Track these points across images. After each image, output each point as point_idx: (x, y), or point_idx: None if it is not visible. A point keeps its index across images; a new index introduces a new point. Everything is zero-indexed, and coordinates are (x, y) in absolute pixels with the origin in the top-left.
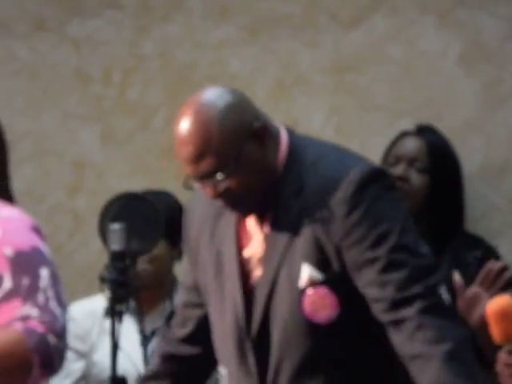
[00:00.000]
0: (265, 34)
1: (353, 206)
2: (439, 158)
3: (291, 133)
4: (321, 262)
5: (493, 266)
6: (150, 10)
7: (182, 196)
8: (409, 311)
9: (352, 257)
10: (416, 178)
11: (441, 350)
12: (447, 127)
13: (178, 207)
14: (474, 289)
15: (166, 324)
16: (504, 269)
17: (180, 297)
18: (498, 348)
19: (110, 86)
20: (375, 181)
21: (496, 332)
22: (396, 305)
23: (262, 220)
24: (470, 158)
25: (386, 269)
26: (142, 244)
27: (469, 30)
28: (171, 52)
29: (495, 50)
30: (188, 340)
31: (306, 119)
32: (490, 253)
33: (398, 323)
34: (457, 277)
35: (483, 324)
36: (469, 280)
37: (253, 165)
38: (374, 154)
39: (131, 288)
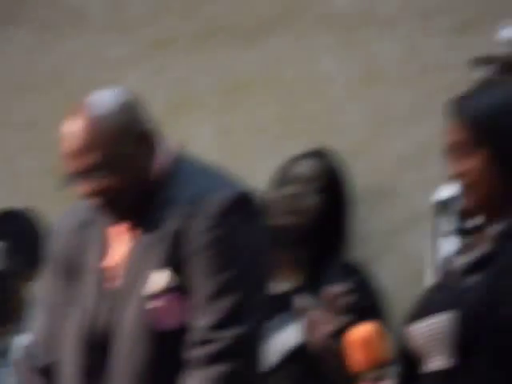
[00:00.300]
0: (160, 52)
1: (214, 225)
2: (332, 179)
3: (178, 148)
4: (173, 270)
5: (336, 290)
6: (47, 26)
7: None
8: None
9: (195, 270)
10: (310, 197)
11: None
12: (336, 149)
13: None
14: (318, 311)
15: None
16: (347, 292)
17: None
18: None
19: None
20: (243, 205)
21: (359, 359)
22: (202, 339)
23: (131, 228)
24: (355, 182)
25: (212, 297)
26: (25, 263)
27: (362, 53)
28: (69, 68)
29: (384, 74)
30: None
31: (195, 140)
32: (364, 283)
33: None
34: (301, 300)
35: (326, 346)
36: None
37: (134, 167)
38: (259, 176)
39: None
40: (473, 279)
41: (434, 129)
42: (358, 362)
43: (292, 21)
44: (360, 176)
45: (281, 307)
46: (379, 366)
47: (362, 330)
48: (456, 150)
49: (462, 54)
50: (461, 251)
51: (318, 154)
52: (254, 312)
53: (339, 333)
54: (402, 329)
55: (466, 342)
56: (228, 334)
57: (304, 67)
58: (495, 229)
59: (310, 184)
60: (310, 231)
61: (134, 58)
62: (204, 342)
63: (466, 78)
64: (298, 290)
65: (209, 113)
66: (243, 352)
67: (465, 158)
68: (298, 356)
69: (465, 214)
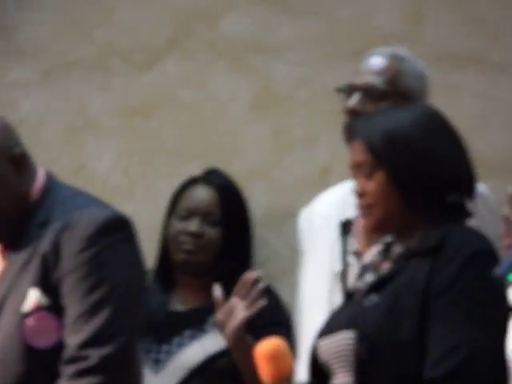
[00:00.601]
0: (57, 77)
1: (86, 246)
2: (230, 209)
3: (49, 174)
4: (48, 289)
5: (248, 276)
6: None
7: None
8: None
9: (66, 292)
10: (210, 232)
11: None
12: (234, 172)
13: None
14: (232, 301)
15: None
16: (258, 279)
17: None
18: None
19: None
20: (117, 228)
21: (266, 373)
22: (73, 357)
23: (4, 248)
24: (255, 204)
25: (84, 315)
26: None
27: (260, 76)
28: None
29: (285, 96)
30: None
31: (94, 163)
32: (271, 300)
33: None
34: (217, 290)
35: (237, 339)
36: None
37: (5, 188)
38: (162, 198)
39: None
40: (373, 299)
41: (333, 151)
42: (265, 377)
43: (185, 45)
44: (261, 198)
45: (185, 325)
46: (283, 381)
47: (268, 345)
48: (357, 170)
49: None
50: (365, 269)
51: (212, 178)
52: (124, 330)
53: (259, 333)
54: (312, 343)
55: (364, 361)
56: (96, 353)
57: (201, 91)
58: (396, 250)
59: (207, 218)
60: (211, 265)
61: (32, 82)
62: (73, 360)
63: None
64: (202, 308)
65: (108, 136)
66: (110, 370)
67: (365, 179)
68: (201, 372)
69: (367, 233)
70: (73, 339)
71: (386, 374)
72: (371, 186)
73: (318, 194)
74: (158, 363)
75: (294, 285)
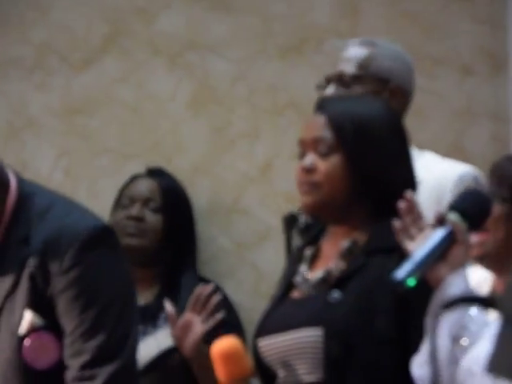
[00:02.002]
0: None
1: (72, 265)
2: (171, 198)
3: (20, 179)
4: (41, 308)
5: (202, 289)
6: None
7: None
8: None
9: (61, 312)
10: (151, 217)
11: None
12: (176, 170)
13: None
14: (187, 315)
15: None
16: (213, 292)
17: None
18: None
19: None
20: (101, 240)
21: (222, 373)
22: (78, 378)
23: None
24: (198, 201)
25: (84, 335)
26: None
27: (198, 73)
28: None
29: (224, 92)
30: None
31: (35, 162)
32: (225, 299)
33: None
34: (168, 306)
35: (196, 353)
36: None
37: None
38: (103, 197)
39: None
40: (335, 295)
41: (274, 146)
42: (220, 375)
43: (122, 44)
44: (204, 195)
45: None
46: (241, 379)
47: (223, 344)
48: (311, 145)
49: (290, 75)
50: (307, 264)
51: (155, 174)
52: (124, 343)
53: (211, 334)
54: (254, 342)
55: (335, 358)
56: (102, 371)
57: (140, 89)
58: (343, 244)
59: (148, 204)
60: (155, 251)
61: None
62: (79, 380)
63: (298, 98)
64: (154, 304)
65: (49, 136)
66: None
67: (319, 156)
68: (155, 367)
69: (304, 210)
70: (76, 361)
71: (359, 371)
72: (325, 165)
73: (260, 189)
74: None
75: (240, 281)
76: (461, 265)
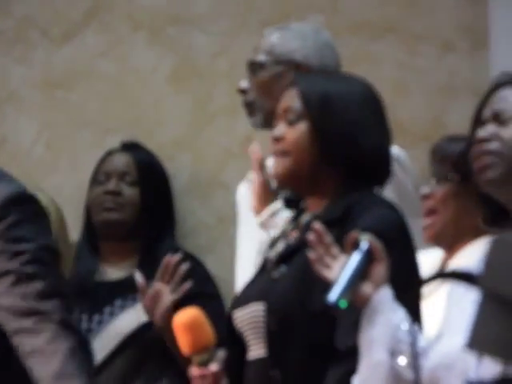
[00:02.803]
0: None
1: None
2: (147, 171)
3: None
4: None
5: (170, 259)
6: None
7: None
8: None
9: None
10: (128, 191)
11: (63, 346)
12: (157, 144)
13: None
14: (156, 285)
15: None
16: (181, 261)
17: None
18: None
19: None
20: (24, 202)
21: (184, 344)
22: (24, 314)
23: None
24: (179, 175)
25: (16, 282)
26: None
27: (179, 47)
28: None
29: (205, 67)
30: None
31: (16, 135)
32: (197, 269)
33: (25, 331)
34: (138, 277)
35: (167, 321)
36: None
37: None
38: (84, 171)
39: None
40: (282, 270)
41: None
42: (183, 347)
43: (103, 18)
44: (186, 169)
45: (115, 294)
46: (204, 350)
47: (185, 316)
48: (282, 115)
49: None
50: (276, 239)
51: (129, 148)
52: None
53: (179, 304)
54: (228, 314)
55: (274, 333)
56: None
57: (122, 63)
58: (304, 219)
59: (124, 178)
60: (133, 224)
61: None
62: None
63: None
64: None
65: (30, 109)
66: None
67: (288, 125)
68: (135, 340)
69: (276, 180)
70: (14, 301)
71: (297, 346)
72: (292, 132)
73: (241, 163)
74: (89, 333)
75: (221, 255)
76: (383, 281)
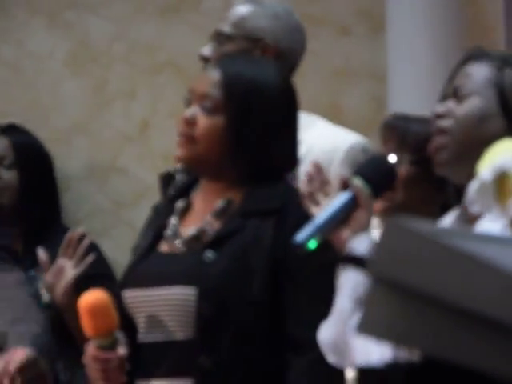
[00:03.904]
0: None
1: None
2: (25, 153)
3: None
4: None
5: (73, 234)
6: None
7: None
8: None
9: None
10: (6, 175)
11: None
12: (54, 128)
13: None
14: (59, 261)
15: None
16: (83, 236)
17: None
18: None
19: None
20: None
21: (88, 326)
22: None
23: None
24: (76, 159)
25: None
26: None
27: (76, 31)
28: None
29: (102, 51)
30: None
31: None
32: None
33: None
34: (41, 252)
35: (68, 299)
36: None
37: None
38: None
39: None
40: (209, 255)
41: (151, 105)
42: (87, 329)
43: (1, 2)
44: (83, 153)
45: None
46: (108, 334)
47: (90, 298)
48: (196, 99)
49: (169, 34)
50: (177, 217)
51: (7, 130)
52: None
53: (83, 286)
54: (122, 295)
55: (206, 318)
56: None
57: (19, 47)
58: (218, 204)
59: (2, 162)
60: (14, 208)
61: None
62: None
63: (176, 57)
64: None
65: None
66: None
67: (202, 111)
68: None
69: (177, 161)
70: None
71: (231, 332)
72: (207, 121)
73: (137, 148)
74: None
75: (116, 239)
76: (363, 228)
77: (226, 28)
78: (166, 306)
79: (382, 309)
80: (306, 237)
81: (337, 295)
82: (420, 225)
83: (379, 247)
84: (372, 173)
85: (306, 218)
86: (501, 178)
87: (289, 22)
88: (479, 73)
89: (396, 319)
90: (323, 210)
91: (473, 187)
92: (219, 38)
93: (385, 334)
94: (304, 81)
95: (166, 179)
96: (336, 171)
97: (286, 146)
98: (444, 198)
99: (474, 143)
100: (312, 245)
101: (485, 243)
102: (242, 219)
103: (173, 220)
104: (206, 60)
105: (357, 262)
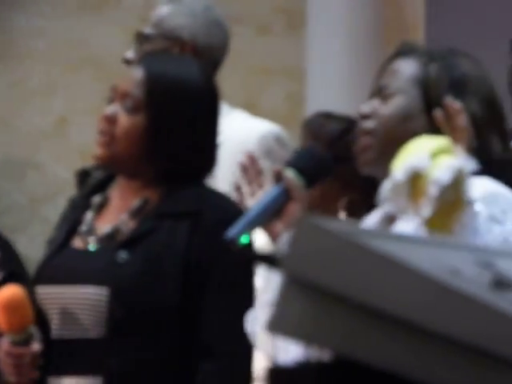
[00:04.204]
0: None
1: None
2: None
3: None
4: None
5: None
6: None
7: None
8: None
9: None
10: None
11: None
12: None
13: None
14: None
15: None
16: None
17: None
18: None
19: None
20: None
21: (1, 321)
22: None
23: None
24: None
25: None
26: None
27: None
28: None
29: (22, 46)
30: None
31: None
32: (8, 249)
33: None
34: None
35: None
36: None
37: None
38: None
39: None
40: (122, 256)
41: (70, 102)
42: (1, 324)
43: None
44: (1, 148)
45: None
46: (23, 329)
47: (5, 293)
48: (123, 98)
49: (89, 31)
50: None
51: None
52: None
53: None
54: (35, 291)
55: (116, 319)
56: None
57: None
58: (134, 203)
59: None
60: None
61: None
62: None
63: (96, 54)
64: None
65: None
66: None
67: (123, 110)
68: None
69: (96, 161)
70: None
71: (142, 333)
72: (127, 120)
73: (55, 144)
74: None
75: (32, 235)
76: None
77: (147, 29)
78: (78, 305)
79: (293, 307)
80: (238, 231)
81: (266, 287)
82: (333, 223)
83: (291, 245)
84: (305, 164)
85: (222, 221)
86: (413, 178)
87: (207, 18)
88: (405, 70)
89: (307, 318)
90: (255, 204)
91: (386, 187)
92: (140, 39)
93: (295, 333)
94: (222, 79)
95: (83, 176)
96: None
97: (206, 147)
98: (355, 196)
99: (399, 142)
100: (245, 239)
101: (398, 243)
102: (157, 220)
103: (88, 215)
104: (130, 63)
105: (268, 260)
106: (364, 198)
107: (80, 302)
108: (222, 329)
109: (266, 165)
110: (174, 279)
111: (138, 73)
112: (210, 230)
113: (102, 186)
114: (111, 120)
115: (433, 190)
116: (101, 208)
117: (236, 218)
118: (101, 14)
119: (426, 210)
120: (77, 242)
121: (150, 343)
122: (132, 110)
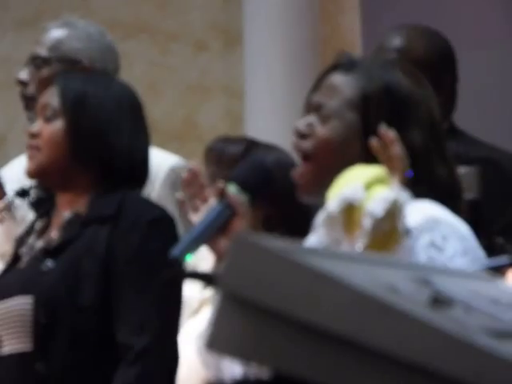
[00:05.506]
0: None
1: None
2: None
3: None
4: None
5: None
6: None
7: None
8: None
9: None
10: None
11: None
12: None
13: None
14: None
15: None
16: None
17: None
18: None
19: None
20: None
21: None
22: None
23: None
24: None
25: None
26: None
27: None
28: None
29: None
30: None
31: None
32: None
33: None
34: None
35: None
36: None
37: None
38: None
39: None
40: (48, 264)
41: (9, 120)
42: None
43: None
44: None
45: None
46: None
47: None
48: (43, 111)
49: (26, 48)
50: (26, 234)
51: None
52: None
53: None
54: None
55: (42, 325)
56: None
57: None
58: (65, 216)
59: None
60: None
61: None
62: None
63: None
64: None
65: None
66: None
67: (45, 120)
68: None
69: (27, 176)
70: None
71: (64, 339)
72: (47, 129)
73: None
74: None
75: None
76: None
77: (43, 51)
78: (5, 320)
79: (230, 325)
80: (182, 250)
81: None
82: (270, 241)
83: (228, 262)
84: (247, 178)
85: (138, 222)
86: (348, 209)
87: (103, 42)
88: (344, 89)
89: (244, 336)
90: (199, 221)
91: (320, 218)
92: (36, 61)
93: (233, 351)
94: (159, 95)
95: (21, 195)
96: (157, 192)
97: (129, 151)
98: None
99: (335, 169)
100: (188, 258)
101: (336, 260)
102: (81, 227)
103: (31, 239)
104: (23, 84)
105: (203, 278)
106: (281, 213)
107: (7, 316)
108: (137, 328)
109: (172, 196)
110: (92, 281)
111: (52, 88)
112: (126, 231)
113: (47, 211)
114: (36, 134)
115: (366, 223)
116: (45, 230)
117: (154, 219)
118: (37, 31)
119: (361, 242)
120: (21, 264)
121: (73, 347)
122: (51, 118)
